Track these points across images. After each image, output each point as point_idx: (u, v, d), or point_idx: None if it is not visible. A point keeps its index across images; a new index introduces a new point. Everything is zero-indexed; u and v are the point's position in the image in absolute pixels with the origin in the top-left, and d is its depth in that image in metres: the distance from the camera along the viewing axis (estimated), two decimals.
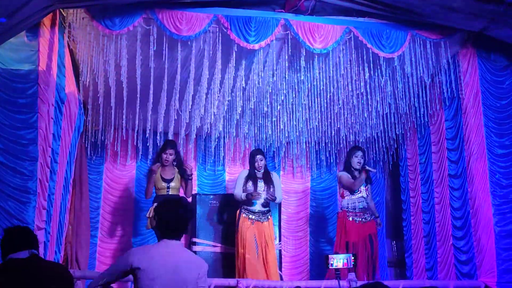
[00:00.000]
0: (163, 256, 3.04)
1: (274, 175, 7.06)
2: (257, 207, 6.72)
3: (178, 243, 3.15)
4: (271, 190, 6.78)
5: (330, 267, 4.47)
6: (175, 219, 3.14)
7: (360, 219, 6.73)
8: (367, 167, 6.80)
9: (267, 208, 6.80)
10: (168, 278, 2.98)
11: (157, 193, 6.79)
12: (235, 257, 6.69)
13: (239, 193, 6.75)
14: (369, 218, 6.79)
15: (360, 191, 6.82)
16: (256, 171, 6.87)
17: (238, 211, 6.78)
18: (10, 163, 4.80)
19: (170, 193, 6.70)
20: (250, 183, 6.76)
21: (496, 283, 5.91)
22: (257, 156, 6.90)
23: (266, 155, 7.55)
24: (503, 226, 6.12)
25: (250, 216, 6.66)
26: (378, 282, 3.03)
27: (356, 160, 6.89)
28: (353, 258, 4.04)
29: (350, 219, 6.72)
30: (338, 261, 4.36)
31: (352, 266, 4.42)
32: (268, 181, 6.84)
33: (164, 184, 6.72)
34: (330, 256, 4.41)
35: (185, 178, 6.80)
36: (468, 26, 6.02)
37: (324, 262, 5.00)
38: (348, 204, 6.80)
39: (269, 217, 6.80)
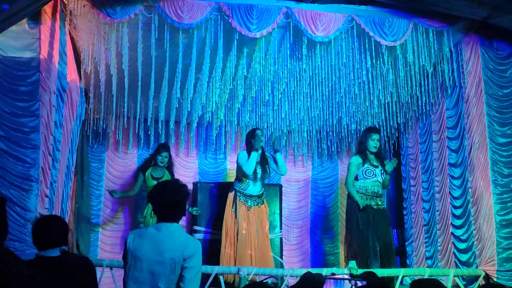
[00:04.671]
0: (151, 237, 3.05)
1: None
2: (254, 190, 6.61)
3: (173, 225, 3.10)
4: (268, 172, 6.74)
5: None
6: (167, 201, 3.11)
7: (370, 203, 6.35)
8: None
9: (263, 191, 6.70)
10: (149, 259, 2.99)
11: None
12: (224, 244, 6.54)
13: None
14: (382, 205, 6.45)
15: (375, 174, 6.49)
16: (257, 149, 6.64)
17: (232, 194, 6.58)
18: (12, 150, 4.80)
19: None
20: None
21: (496, 272, 5.93)
22: (258, 131, 6.71)
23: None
24: (504, 215, 6.12)
25: (248, 201, 6.53)
26: (371, 272, 3.03)
27: (373, 144, 6.51)
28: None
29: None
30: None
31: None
32: (265, 164, 6.73)
33: (154, 182, 6.84)
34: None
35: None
36: (471, 14, 5.99)
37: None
38: (360, 186, 6.44)
39: (264, 200, 6.70)
